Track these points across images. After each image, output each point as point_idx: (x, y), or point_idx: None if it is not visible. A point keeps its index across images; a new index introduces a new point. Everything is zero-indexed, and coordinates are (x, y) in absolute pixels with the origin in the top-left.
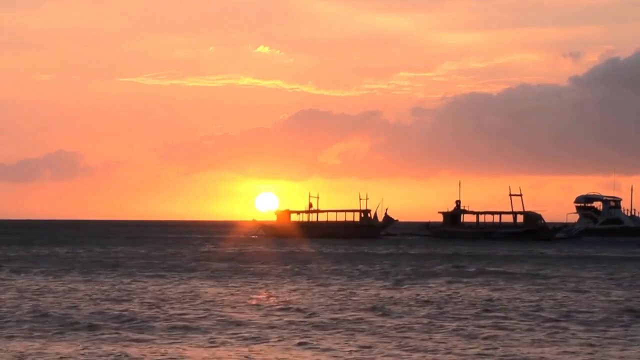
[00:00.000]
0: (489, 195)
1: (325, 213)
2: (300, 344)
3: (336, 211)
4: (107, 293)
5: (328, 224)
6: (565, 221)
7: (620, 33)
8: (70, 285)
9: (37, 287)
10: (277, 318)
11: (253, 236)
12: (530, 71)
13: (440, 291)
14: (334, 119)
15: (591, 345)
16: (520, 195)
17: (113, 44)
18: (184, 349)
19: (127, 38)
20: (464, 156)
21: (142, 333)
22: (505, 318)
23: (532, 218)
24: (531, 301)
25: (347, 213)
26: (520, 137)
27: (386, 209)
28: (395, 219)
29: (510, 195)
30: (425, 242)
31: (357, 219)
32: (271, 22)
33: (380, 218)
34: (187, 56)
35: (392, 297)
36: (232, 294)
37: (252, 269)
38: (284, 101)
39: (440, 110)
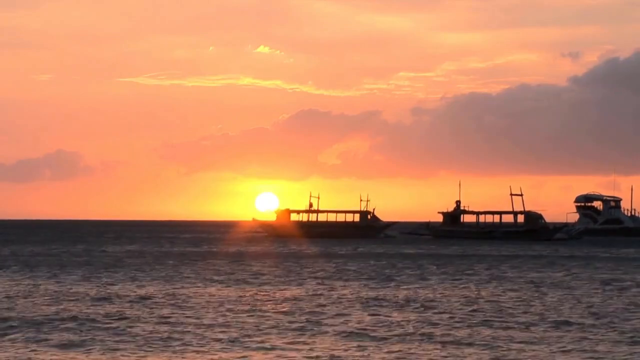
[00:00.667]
0: (488, 195)
1: (325, 213)
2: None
3: (336, 212)
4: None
5: (328, 224)
6: (565, 221)
7: (620, 33)
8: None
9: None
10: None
11: (255, 234)
12: (530, 71)
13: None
14: (334, 119)
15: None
16: (521, 195)
17: (113, 44)
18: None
19: (127, 38)
20: (464, 156)
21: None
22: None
23: (532, 218)
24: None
25: (347, 214)
26: (520, 137)
27: (373, 209)
28: (382, 219)
29: (511, 195)
30: (421, 242)
31: (356, 219)
32: (271, 22)
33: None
34: (187, 56)
35: (343, 298)
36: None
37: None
38: (284, 101)
39: (440, 110)
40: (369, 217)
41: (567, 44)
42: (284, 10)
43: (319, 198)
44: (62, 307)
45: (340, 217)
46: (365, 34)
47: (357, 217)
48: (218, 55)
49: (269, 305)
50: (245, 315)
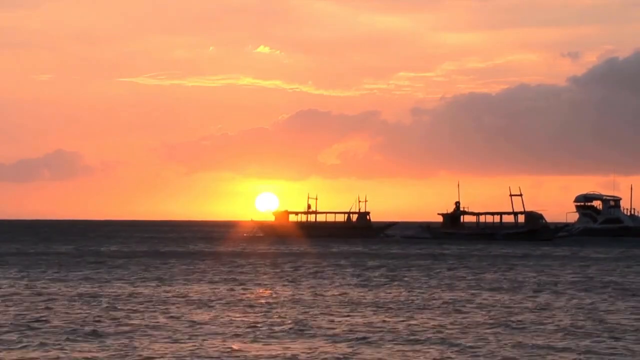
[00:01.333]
0: (488, 195)
1: (324, 214)
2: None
3: (334, 213)
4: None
5: (326, 225)
6: (565, 221)
7: (619, 33)
8: None
9: None
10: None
11: (252, 235)
12: (529, 71)
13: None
14: (334, 119)
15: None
16: (521, 195)
17: (113, 44)
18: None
19: (127, 38)
20: (463, 156)
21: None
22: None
23: (533, 218)
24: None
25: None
26: (519, 137)
27: (358, 209)
28: (369, 219)
29: (511, 195)
30: (414, 243)
31: (354, 220)
32: (271, 22)
33: (353, 218)
34: (187, 56)
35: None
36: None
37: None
38: (284, 101)
39: (439, 110)
40: (368, 217)
41: (566, 44)
42: (284, 10)
43: (317, 199)
44: (20, 308)
45: (340, 218)
46: (365, 34)
47: (353, 218)
48: (218, 55)
49: (239, 306)
50: (212, 314)
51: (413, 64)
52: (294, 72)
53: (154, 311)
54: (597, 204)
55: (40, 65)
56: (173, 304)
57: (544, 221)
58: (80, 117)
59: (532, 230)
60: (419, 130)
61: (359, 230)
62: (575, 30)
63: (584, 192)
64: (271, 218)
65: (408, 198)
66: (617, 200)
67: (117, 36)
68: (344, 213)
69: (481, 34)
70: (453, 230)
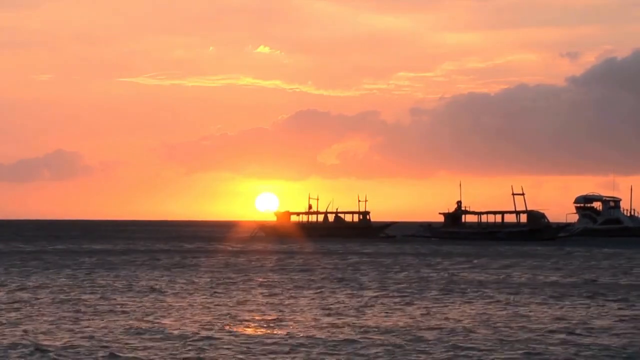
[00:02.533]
0: (487, 195)
1: (325, 214)
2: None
3: (335, 213)
4: None
5: (327, 225)
6: (565, 221)
7: (618, 33)
8: None
9: None
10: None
11: (255, 235)
12: (529, 71)
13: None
14: (333, 119)
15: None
16: (523, 194)
17: (113, 44)
18: None
19: (127, 38)
20: (463, 156)
21: None
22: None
23: (535, 217)
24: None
25: (345, 214)
26: (518, 137)
27: (336, 209)
28: (346, 219)
29: (513, 194)
30: (409, 242)
31: (355, 220)
32: (271, 22)
33: (330, 218)
34: (187, 56)
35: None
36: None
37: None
38: (283, 101)
39: (439, 110)
40: (368, 217)
41: (565, 44)
42: (284, 10)
43: (317, 199)
44: None
45: (345, 218)
46: (365, 34)
47: (356, 218)
48: (218, 55)
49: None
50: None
51: (413, 64)
52: (293, 72)
53: None
54: (597, 205)
55: (40, 65)
56: None
57: (546, 220)
58: (80, 117)
59: (534, 229)
60: (419, 130)
61: (359, 231)
62: (574, 30)
63: (584, 192)
64: (272, 218)
65: (408, 198)
66: (616, 202)
67: (117, 36)
68: (344, 213)
69: (481, 34)
70: (454, 229)
